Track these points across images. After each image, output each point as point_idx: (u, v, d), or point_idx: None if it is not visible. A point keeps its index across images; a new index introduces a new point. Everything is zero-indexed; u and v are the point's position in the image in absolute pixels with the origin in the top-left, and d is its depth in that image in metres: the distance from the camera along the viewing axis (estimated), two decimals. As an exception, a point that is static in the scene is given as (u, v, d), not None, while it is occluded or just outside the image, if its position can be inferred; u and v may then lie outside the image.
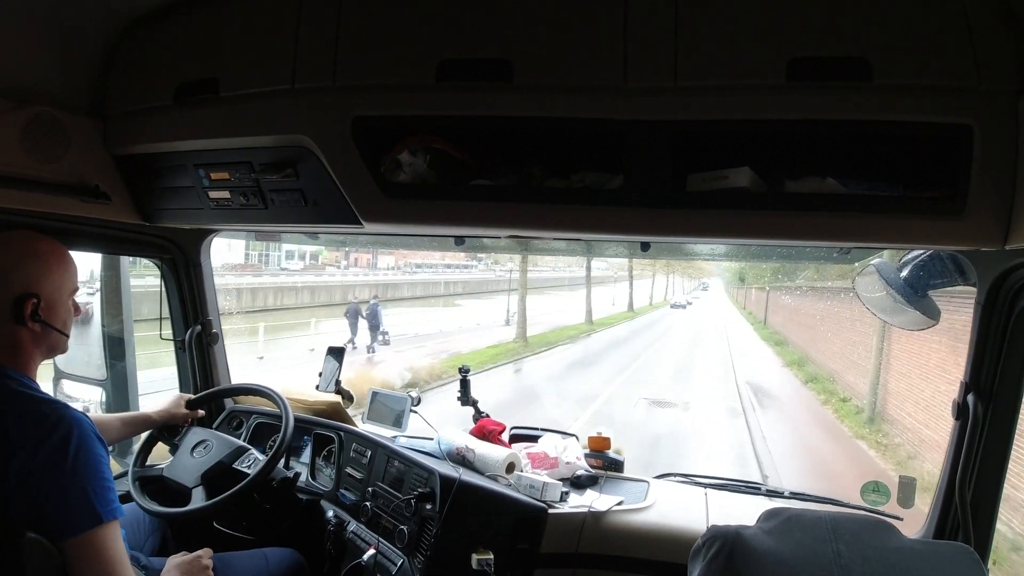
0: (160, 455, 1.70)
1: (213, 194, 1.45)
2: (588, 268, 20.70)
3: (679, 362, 14.76)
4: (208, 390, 1.87)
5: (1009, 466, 1.29)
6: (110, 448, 1.26)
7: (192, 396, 1.73)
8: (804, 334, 14.25)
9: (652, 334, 20.27)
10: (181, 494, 1.53)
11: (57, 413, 1.02)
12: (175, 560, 1.30)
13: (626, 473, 1.84)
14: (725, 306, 31.35)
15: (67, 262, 1.16)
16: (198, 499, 1.49)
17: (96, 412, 1.93)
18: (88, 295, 2.03)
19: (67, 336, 1.16)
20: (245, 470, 1.53)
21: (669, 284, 35.48)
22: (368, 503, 1.65)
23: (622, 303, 26.81)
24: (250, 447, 1.59)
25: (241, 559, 1.51)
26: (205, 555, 1.33)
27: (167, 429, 1.67)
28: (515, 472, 1.69)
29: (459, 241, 1.62)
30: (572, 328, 18.86)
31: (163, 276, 1.93)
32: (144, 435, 1.68)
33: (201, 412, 1.73)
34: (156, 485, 1.59)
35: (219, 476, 1.52)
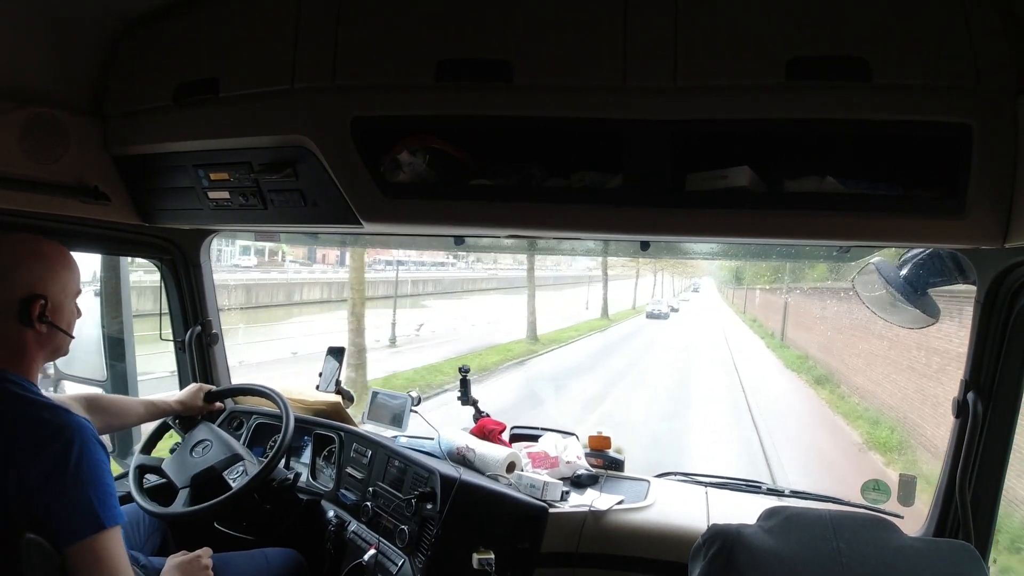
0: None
1: (212, 194, 1.45)
2: (530, 264, 15.10)
3: (661, 454, 7.19)
4: (227, 386, 1.88)
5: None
6: (111, 451, 1.26)
7: (213, 388, 1.72)
8: (886, 376, 8.08)
9: (621, 359, 13.73)
10: (172, 491, 1.52)
11: (59, 419, 1.01)
12: (175, 560, 1.30)
13: (627, 472, 1.84)
14: (721, 310, 27.36)
15: (71, 264, 1.15)
16: (180, 501, 1.48)
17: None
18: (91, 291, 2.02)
19: (72, 337, 1.16)
20: (231, 481, 1.51)
21: (657, 284, 31.33)
22: (369, 503, 1.65)
23: (598, 306, 21.88)
24: (245, 456, 1.57)
25: (241, 559, 1.51)
26: (205, 555, 1.33)
27: (181, 419, 1.67)
28: (515, 471, 1.69)
29: (459, 241, 1.62)
30: (498, 350, 12.49)
31: (163, 277, 1.93)
32: (156, 422, 1.68)
33: (220, 405, 1.73)
34: (154, 476, 1.59)
35: (206, 483, 1.51)
